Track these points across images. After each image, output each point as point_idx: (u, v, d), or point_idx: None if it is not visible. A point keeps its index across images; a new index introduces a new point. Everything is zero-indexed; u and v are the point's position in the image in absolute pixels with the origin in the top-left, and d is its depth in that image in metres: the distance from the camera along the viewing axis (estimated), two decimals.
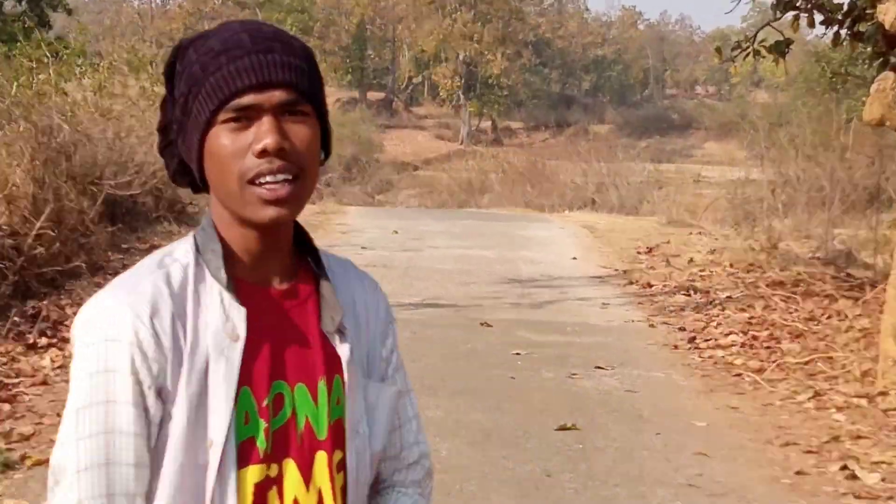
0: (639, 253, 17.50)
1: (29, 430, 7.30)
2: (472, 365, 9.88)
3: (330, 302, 2.03)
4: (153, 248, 14.87)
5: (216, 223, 1.98)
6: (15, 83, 13.62)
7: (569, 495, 6.58)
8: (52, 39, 20.44)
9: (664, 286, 14.07)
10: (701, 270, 15.01)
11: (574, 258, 17.28)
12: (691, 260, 16.06)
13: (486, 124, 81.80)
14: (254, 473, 1.92)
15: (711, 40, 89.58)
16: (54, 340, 9.59)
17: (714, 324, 11.53)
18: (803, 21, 10.82)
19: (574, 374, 9.52)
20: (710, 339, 10.87)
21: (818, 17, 10.79)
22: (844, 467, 7.11)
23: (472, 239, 19.63)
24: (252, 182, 1.88)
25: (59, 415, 7.49)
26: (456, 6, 75.86)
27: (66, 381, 8.45)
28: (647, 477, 6.92)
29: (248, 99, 1.87)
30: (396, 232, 19.64)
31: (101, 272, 12.47)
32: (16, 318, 9.85)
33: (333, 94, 78.81)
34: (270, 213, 1.89)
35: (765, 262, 14.50)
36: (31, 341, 9.45)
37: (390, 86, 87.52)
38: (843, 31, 10.60)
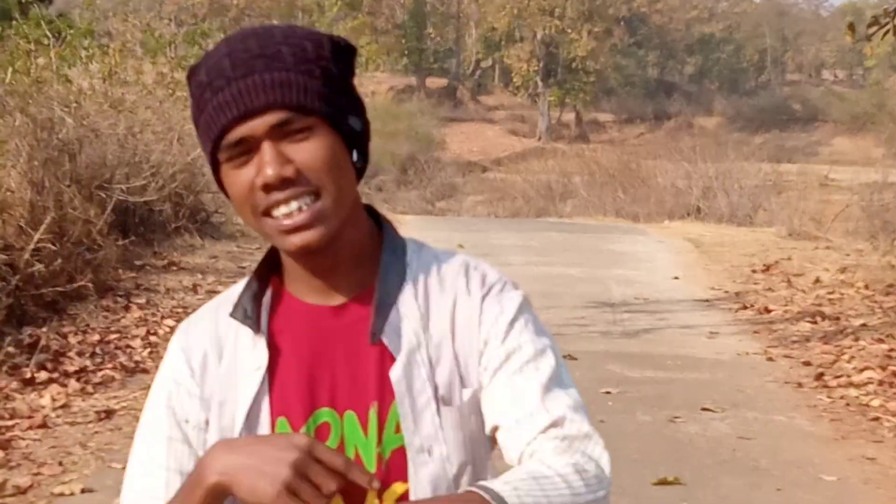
0: (754, 271, 17.43)
1: (26, 482, 7.32)
2: None
3: (381, 318, 2.12)
4: (171, 264, 14.99)
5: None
6: (10, 69, 13.76)
7: None
8: (54, 17, 20.64)
9: (785, 312, 13.99)
10: (829, 293, 14.91)
11: (675, 278, 17.24)
12: (818, 280, 15.97)
13: (570, 117, 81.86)
14: None
15: (842, 15, 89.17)
16: (55, 375, 9.62)
17: (846, 357, 11.44)
18: None
19: (676, 418, 9.49)
20: (842, 376, 10.79)
21: None
22: None
23: (553, 254, 19.65)
24: (267, 214, 2.03)
25: (61, 463, 7.58)
26: None
27: (69, 423, 8.53)
28: None
29: (236, 133, 2.01)
30: (462, 246, 19.66)
31: (110, 293, 12.54)
32: (10, 349, 9.91)
33: (386, 81, 79.17)
34: (295, 241, 2.05)
35: None
36: (28, 376, 9.47)
37: (454, 71, 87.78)
38: None
